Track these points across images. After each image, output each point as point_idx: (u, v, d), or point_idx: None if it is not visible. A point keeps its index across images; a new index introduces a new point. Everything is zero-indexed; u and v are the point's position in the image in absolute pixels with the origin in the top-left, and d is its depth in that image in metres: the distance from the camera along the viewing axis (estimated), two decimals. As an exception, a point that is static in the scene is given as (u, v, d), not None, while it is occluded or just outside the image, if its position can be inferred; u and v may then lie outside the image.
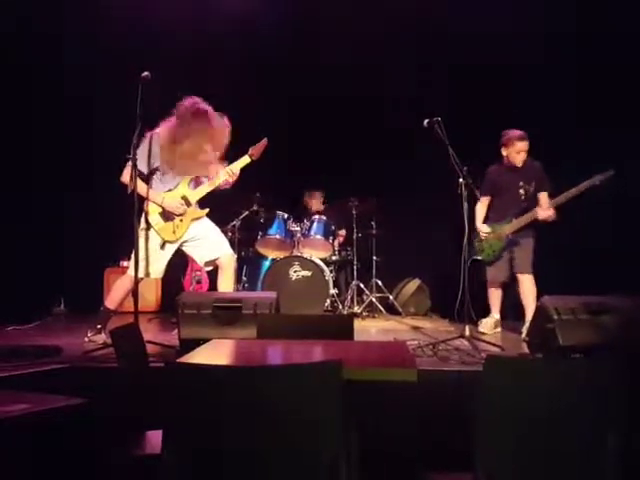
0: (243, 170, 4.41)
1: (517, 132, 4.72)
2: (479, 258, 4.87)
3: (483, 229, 4.87)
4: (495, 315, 4.94)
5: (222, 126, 4.28)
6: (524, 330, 4.53)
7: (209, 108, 4.24)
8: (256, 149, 4.39)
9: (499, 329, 4.91)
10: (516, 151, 4.71)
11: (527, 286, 4.67)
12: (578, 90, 5.66)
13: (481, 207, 4.95)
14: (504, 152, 4.80)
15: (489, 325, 4.85)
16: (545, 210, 4.56)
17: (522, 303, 4.70)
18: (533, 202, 4.74)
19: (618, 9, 5.43)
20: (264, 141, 4.41)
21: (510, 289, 5.02)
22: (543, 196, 4.72)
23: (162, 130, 4.24)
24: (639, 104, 5.39)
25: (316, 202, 6.66)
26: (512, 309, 5.08)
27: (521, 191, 4.76)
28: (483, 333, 4.69)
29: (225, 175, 4.33)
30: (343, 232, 6.51)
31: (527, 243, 4.73)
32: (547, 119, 5.39)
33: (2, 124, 5.77)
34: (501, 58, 5.76)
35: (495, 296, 4.95)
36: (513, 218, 4.73)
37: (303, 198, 6.74)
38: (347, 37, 6.04)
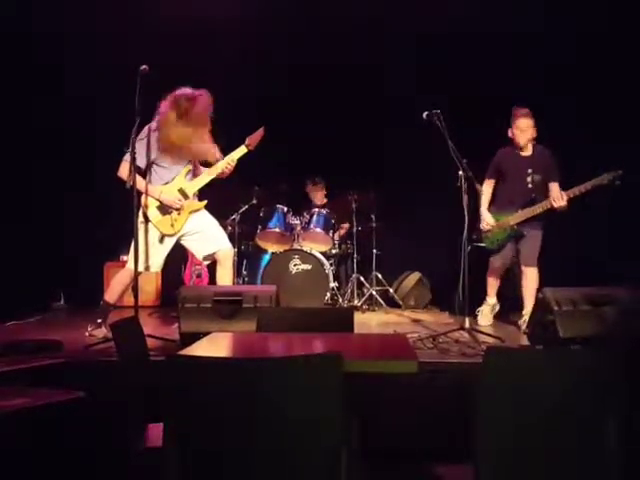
0: (242, 162, 4.39)
1: (521, 108, 4.60)
2: (482, 245, 4.76)
3: (487, 220, 4.72)
4: (490, 301, 4.90)
5: (205, 102, 4.24)
6: (522, 323, 4.53)
7: (193, 91, 4.22)
8: (253, 139, 4.36)
9: (497, 308, 4.95)
10: (519, 129, 4.59)
11: (531, 279, 4.58)
12: (579, 88, 5.64)
13: (486, 190, 4.76)
14: (510, 133, 4.67)
15: (486, 313, 4.85)
16: (560, 200, 4.33)
17: (522, 294, 4.65)
18: (540, 192, 4.56)
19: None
20: (261, 130, 4.38)
21: (511, 280, 5.03)
22: (554, 186, 4.51)
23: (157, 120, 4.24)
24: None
25: (319, 194, 6.63)
26: (511, 300, 5.08)
27: (529, 179, 4.60)
28: (481, 325, 4.68)
29: (223, 166, 4.32)
30: (346, 225, 6.48)
31: (535, 235, 4.60)
32: (547, 119, 5.36)
33: (2, 121, 5.76)
34: (501, 56, 5.76)
35: (493, 282, 4.88)
36: (519, 209, 4.57)
37: (306, 188, 6.67)
38: (347, 34, 6.03)
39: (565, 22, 5.61)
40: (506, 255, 4.75)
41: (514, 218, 4.60)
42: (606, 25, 5.47)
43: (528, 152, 4.67)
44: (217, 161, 4.32)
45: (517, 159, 4.67)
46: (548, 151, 4.66)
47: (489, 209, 4.81)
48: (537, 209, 4.50)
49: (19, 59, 5.84)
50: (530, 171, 4.61)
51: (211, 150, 4.31)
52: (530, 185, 4.60)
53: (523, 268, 4.65)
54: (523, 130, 4.59)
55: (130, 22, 5.82)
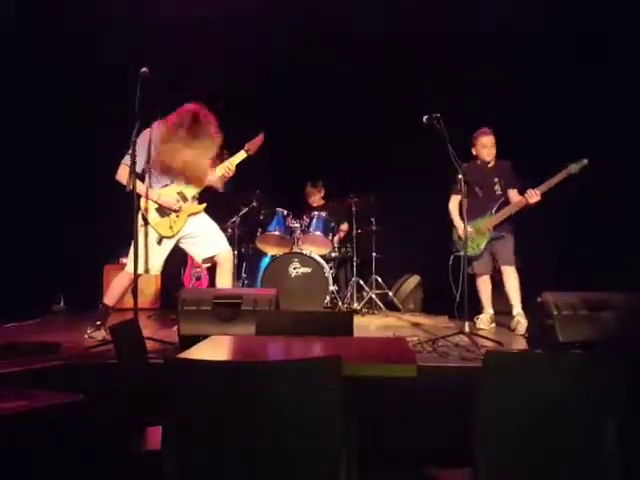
0: (240, 166, 4.40)
1: (481, 129, 4.97)
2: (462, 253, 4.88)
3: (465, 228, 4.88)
4: (489, 310, 4.96)
5: (216, 135, 4.26)
6: (515, 323, 4.61)
7: (211, 116, 4.23)
8: (252, 144, 4.37)
9: (494, 325, 4.94)
10: (482, 145, 4.91)
11: (512, 276, 4.76)
12: (579, 89, 5.65)
13: (455, 204, 5.00)
14: (474, 151, 4.99)
15: (485, 321, 4.87)
16: (534, 196, 4.56)
17: (508, 295, 4.77)
18: (508, 198, 4.86)
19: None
20: (260, 136, 4.39)
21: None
22: (513, 193, 4.84)
23: (159, 128, 4.22)
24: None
25: (316, 196, 6.63)
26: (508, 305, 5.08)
27: (496, 187, 4.90)
28: (480, 329, 4.71)
29: (222, 171, 4.32)
30: (345, 227, 6.48)
31: (509, 239, 4.85)
32: (547, 119, 5.37)
33: (2, 122, 5.76)
34: (501, 56, 5.77)
35: (485, 291, 4.98)
36: (492, 212, 4.82)
37: (305, 190, 6.68)
38: (348, 36, 6.04)
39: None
40: (485, 260, 4.90)
41: (493, 220, 4.81)
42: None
43: (492, 164, 4.98)
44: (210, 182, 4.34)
45: (483, 170, 4.96)
46: (508, 162, 4.96)
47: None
48: (512, 209, 4.75)
49: (19, 59, 5.84)
50: (497, 180, 4.92)
51: (206, 175, 4.31)
52: (499, 192, 4.92)
53: (503, 268, 4.83)
54: (486, 147, 4.91)
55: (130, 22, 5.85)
